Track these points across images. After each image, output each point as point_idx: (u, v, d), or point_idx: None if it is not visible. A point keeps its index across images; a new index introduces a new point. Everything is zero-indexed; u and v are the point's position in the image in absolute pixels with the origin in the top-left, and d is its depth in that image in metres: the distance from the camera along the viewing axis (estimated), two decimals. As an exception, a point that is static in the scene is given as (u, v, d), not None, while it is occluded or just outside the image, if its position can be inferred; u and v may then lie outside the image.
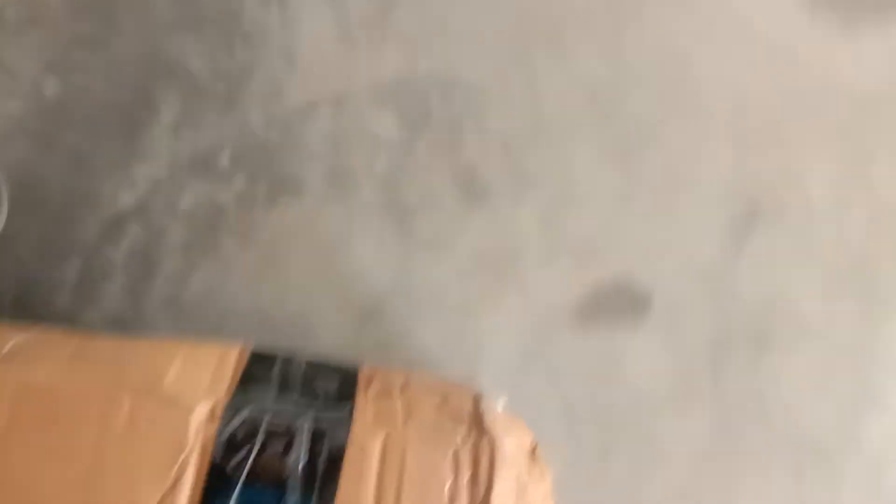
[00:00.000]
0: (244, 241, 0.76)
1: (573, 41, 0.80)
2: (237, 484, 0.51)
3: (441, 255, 0.81)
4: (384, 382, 0.61)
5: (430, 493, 0.55)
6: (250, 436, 0.52)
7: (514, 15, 0.80)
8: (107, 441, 0.49)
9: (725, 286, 0.85)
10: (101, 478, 0.48)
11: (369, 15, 0.77)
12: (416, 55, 0.78)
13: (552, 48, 0.80)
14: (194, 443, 0.51)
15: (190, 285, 0.74)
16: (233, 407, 0.53)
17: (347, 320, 0.78)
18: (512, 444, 0.58)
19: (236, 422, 0.52)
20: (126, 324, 0.72)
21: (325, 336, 0.77)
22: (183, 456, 0.50)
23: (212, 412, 0.52)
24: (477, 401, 0.63)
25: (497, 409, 0.62)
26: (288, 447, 0.53)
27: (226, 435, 0.52)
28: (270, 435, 0.53)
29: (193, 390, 0.53)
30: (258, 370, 0.56)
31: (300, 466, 0.52)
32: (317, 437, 0.54)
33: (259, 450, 0.52)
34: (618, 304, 0.83)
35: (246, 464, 0.51)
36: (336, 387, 0.58)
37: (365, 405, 0.57)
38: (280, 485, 0.52)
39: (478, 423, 0.60)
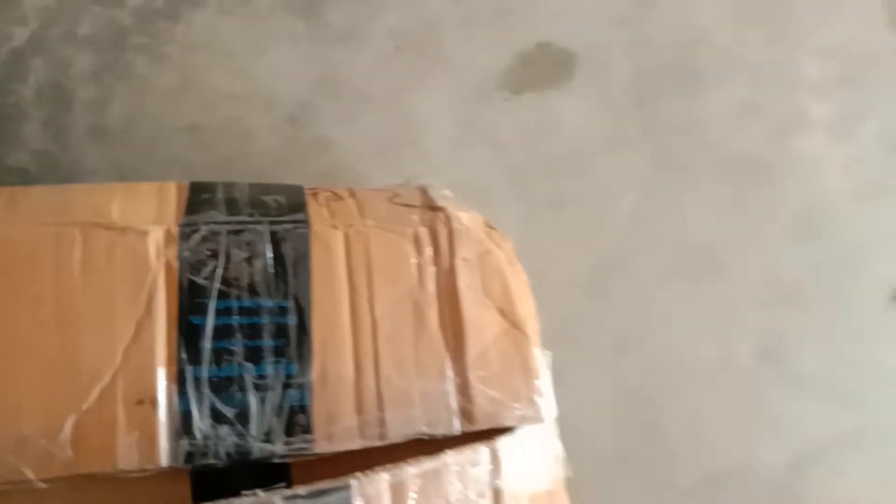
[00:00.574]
0: (156, 59, 0.70)
1: None
2: (212, 298, 0.50)
3: (358, 43, 0.76)
4: (331, 192, 0.59)
5: (400, 276, 0.55)
6: (213, 250, 0.50)
7: None
8: (67, 279, 0.47)
9: (643, 32, 0.83)
10: (71, 317, 0.46)
11: None
12: None
13: None
14: (157, 265, 0.49)
15: (111, 112, 0.68)
16: (187, 227, 0.51)
17: (279, 123, 0.74)
18: (466, 217, 0.58)
19: (195, 239, 0.50)
20: (56, 161, 0.67)
21: (260, 139, 0.73)
22: (149, 280, 0.48)
23: (167, 234, 0.50)
24: (424, 190, 0.62)
25: (444, 194, 0.61)
26: (252, 256, 0.52)
27: (187, 252, 0.50)
28: (232, 245, 0.51)
29: (142, 219, 0.50)
30: (202, 196, 0.53)
31: (270, 272, 0.52)
32: (278, 243, 0.53)
33: (225, 261, 0.51)
34: (543, 65, 0.81)
35: (215, 277, 0.50)
36: (285, 200, 0.55)
37: (318, 210, 0.56)
38: (254, 291, 0.51)
39: (430, 206, 0.59)
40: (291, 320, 0.51)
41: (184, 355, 0.48)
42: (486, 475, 0.53)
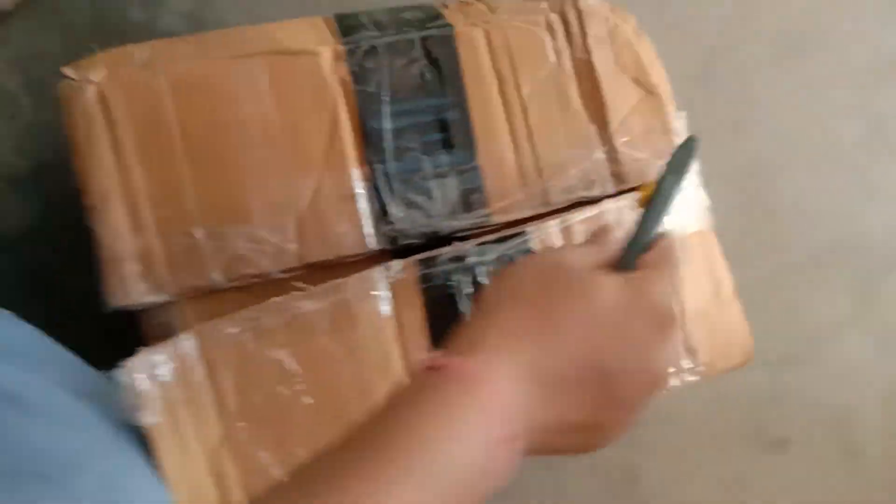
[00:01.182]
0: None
1: None
2: (384, 103, 0.54)
3: None
4: (458, 2, 0.61)
5: (539, 60, 0.58)
6: (376, 61, 0.54)
7: None
8: (264, 101, 0.51)
9: None
10: (274, 133, 0.51)
11: None
12: None
13: None
14: (333, 81, 0.53)
15: (239, -34, 0.72)
16: (350, 44, 0.54)
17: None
18: (590, -2, 0.60)
19: (359, 54, 0.54)
20: (201, 19, 0.71)
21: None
22: (329, 94, 0.53)
23: (335, 53, 0.54)
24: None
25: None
26: (410, 62, 0.55)
27: (356, 67, 0.54)
28: (391, 55, 0.55)
29: (309, 44, 0.54)
30: (350, 22, 0.56)
31: (427, 74, 0.55)
32: (429, 47, 0.56)
33: (388, 70, 0.55)
34: None
35: (383, 83, 0.54)
36: (421, 14, 0.57)
37: (454, 15, 0.58)
38: (418, 90, 0.55)
39: (554, -8, 0.61)
40: (453, 115, 0.56)
41: (371, 156, 0.54)
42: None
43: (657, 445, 0.85)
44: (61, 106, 0.49)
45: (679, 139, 0.60)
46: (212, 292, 0.50)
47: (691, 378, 0.56)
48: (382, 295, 0.52)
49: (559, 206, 0.57)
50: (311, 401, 0.50)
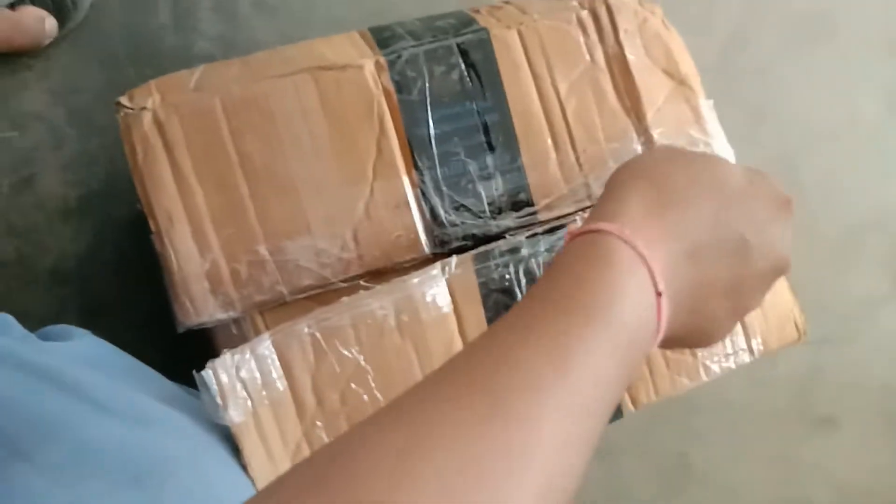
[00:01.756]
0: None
1: None
2: (428, 109, 0.56)
3: None
4: (489, 6, 0.63)
5: (573, 57, 0.59)
6: (416, 69, 0.56)
7: None
8: (313, 117, 0.53)
9: None
10: (325, 147, 0.53)
11: None
12: None
13: None
14: (377, 92, 0.55)
15: (267, -14, 0.74)
16: (390, 54, 0.56)
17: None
18: (618, -8, 0.62)
19: (400, 64, 0.56)
20: (233, 41, 0.73)
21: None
22: (375, 105, 0.55)
23: (377, 65, 0.55)
24: (573, -23, 0.65)
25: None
26: (449, 68, 0.57)
27: (398, 76, 0.56)
28: (430, 63, 0.57)
29: (351, 58, 0.56)
30: (386, 35, 0.58)
31: (466, 79, 0.57)
32: (466, 52, 0.57)
33: (429, 78, 0.57)
34: None
35: (426, 90, 0.56)
36: (454, 21, 0.59)
37: (487, 19, 0.60)
38: (458, 95, 0.57)
39: (582, -10, 0.63)
40: (494, 117, 0.57)
41: (418, 162, 0.55)
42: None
43: (706, 431, 0.86)
44: (121, 135, 0.51)
45: (710, 125, 0.61)
46: (279, 305, 0.52)
47: (748, 359, 0.58)
48: (442, 291, 0.54)
49: (603, 199, 0.59)
50: (382, 398, 0.52)
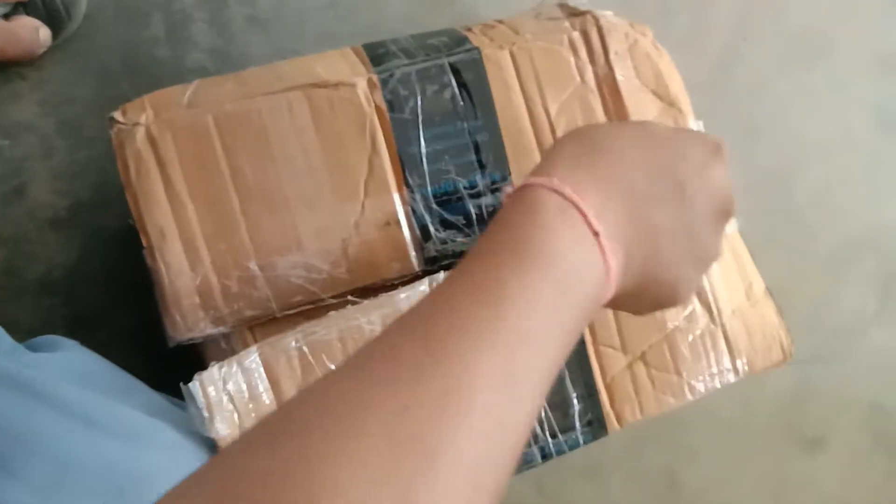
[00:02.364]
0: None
1: None
2: (419, 128, 0.58)
3: None
4: (482, 25, 0.65)
5: (564, 78, 0.61)
6: (409, 88, 0.58)
7: None
8: (306, 135, 0.55)
9: None
10: (317, 164, 0.54)
11: None
12: None
13: None
14: (370, 110, 0.56)
15: (261, 1, 0.74)
16: (383, 73, 0.58)
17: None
18: (610, 14, 0.64)
19: (392, 83, 0.57)
20: (226, 54, 0.74)
21: (391, 2, 0.79)
22: (367, 123, 0.56)
23: (370, 83, 0.57)
24: (563, 2, 0.67)
25: (582, 1, 0.66)
26: (441, 87, 0.59)
27: (390, 95, 0.57)
28: (422, 82, 0.58)
29: (344, 75, 0.57)
30: (379, 52, 0.59)
31: (458, 97, 0.59)
32: (458, 72, 0.59)
33: (421, 96, 0.58)
34: None
35: (418, 109, 0.58)
36: (447, 40, 0.60)
37: (479, 38, 0.61)
38: (450, 114, 0.58)
39: (574, 13, 0.64)
40: (485, 136, 0.59)
41: (409, 180, 0.57)
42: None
43: (695, 450, 0.87)
44: (114, 150, 0.52)
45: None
46: (269, 320, 0.53)
47: (733, 379, 0.59)
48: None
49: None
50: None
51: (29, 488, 0.43)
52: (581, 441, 0.60)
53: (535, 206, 0.32)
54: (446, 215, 0.58)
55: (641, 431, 0.61)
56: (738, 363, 0.60)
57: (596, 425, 0.60)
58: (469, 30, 0.64)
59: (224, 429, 0.49)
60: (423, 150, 0.57)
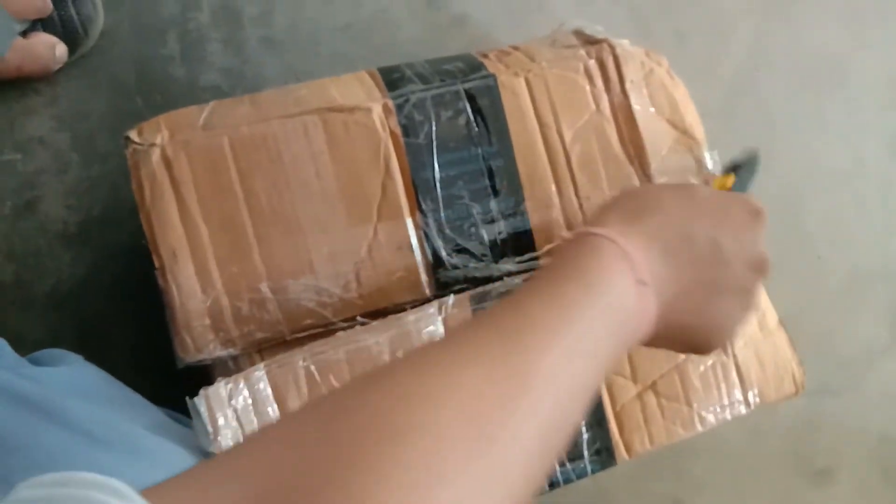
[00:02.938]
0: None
1: None
2: (433, 153, 0.58)
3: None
4: (497, 51, 0.66)
5: (579, 106, 0.61)
6: (424, 113, 0.58)
7: None
8: (320, 158, 0.55)
9: None
10: (332, 188, 0.54)
11: None
12: None
13: None
14: (385, 135, 0.57)
15: (276, 22, 0.74)
16: (398, 98, 0.58)
17: (419, 8, 0.80)
18: (626, 43, 0.64)
19: (407, 108, 0.58)
20: (240, 73, 0.75)
21: (405, 26, 0.80)
22: (382, 147, 0.57)
23: (385, 108, 0.57)
24: (579, 30, 0.68)
25: (598, 29, 0.67)
26: (456, 113, 0.59)
27: (405, 120, 0.58)
28: (437, 107, 0.59)
29: (360, 100, 0.58)
30: (394, 76, 0.60)
31: (473, 123, 0.59)
32: (473, 98, 0.60)
33: (436, 122, 0.59)
34: None
35: (432, 134, 0.58)
36: (462, 65, 0.61)
37: (495, 65, 0.62)
38: (464, 140, 0.59)
39: (590, 41, 0.65)
40: (499, 162, 0.59)
41: (422, 205, 0.57)
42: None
43: (702, 479, 0.87)
44: (129, 170, 0.53)
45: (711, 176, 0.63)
46: (278, 343, 0.54)
47: (744, 410, 0.59)
48: (438, 330, 0.55)
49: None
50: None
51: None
52: (589, 470, 0.60)
53: (597, 250, 0.38)
54: (459, 241, 0.58)
55: (648, 458, 0.60)
56: (750, 395, 0.60)
57: (605, 454, 0.60)
58: (485, 56, 0.64)
59: (229, 445, 0.49)
60: (437, 175, 0.58)
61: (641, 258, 0.38)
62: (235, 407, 0.50)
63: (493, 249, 0.59)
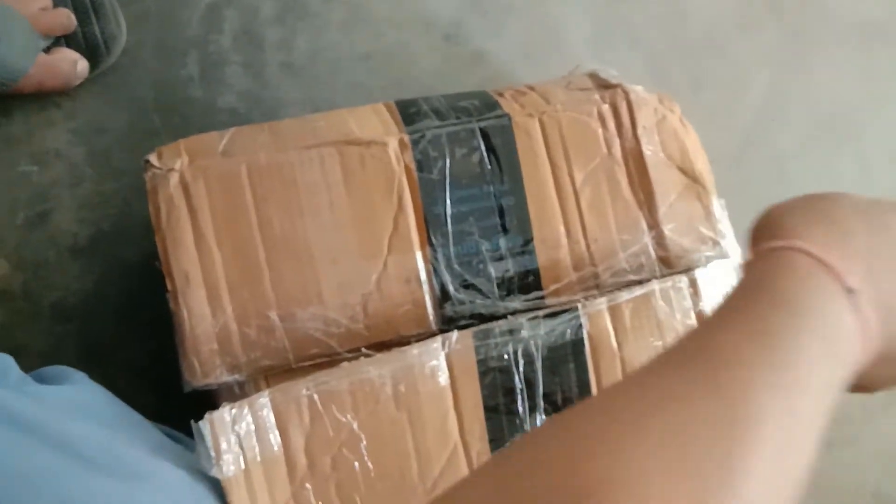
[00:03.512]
0: (328, -1, 0.79)
1: None
2: (446, 189, 0.59)
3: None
4: (513, 90, 0.67)
5: (591, 149, 0.62)
6: (438, 150, 0.59)
7: None
8: (335, 190, 0.56)
9: None
10: (344, 219, 0.55)
11: None
12: None
13: None
14: (399, 169, 0.58)
15: (297, 49, 0.76)
16: (414, 134, 0.59)
17: (438, 42, 0.81)
18: (640, 89, 0.65)
19: (423, 143, 0.59)
20: (258, 97, 0.76)
21: (424, 59, 0.81)
22: (396, 181, 0.58)
23: (401, 142, 0.59)
24: (594, 73, 0.69)
25: (613, 74, 0.68)
26: (470, 150, 0.60)
27: (420, 155, 0.59)
28: (452, 144, 0.60)
29: (377, 134, 0.59)
30: (411, 111, 0.61)
31: (486, 162, 0.60)
32: (488, 136, 0.61)
33: (450, 158, 0.60)
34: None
35: (446, 171, 0.59)
36: (478, 103, 0.62)
37: (510, 104, 0.63)
38: (477, 177, 0.60)
39: (605, 85, 0.66)
40: (510, 201, 0.60)
41: (432, 239, 0.58)
42: (688, 299, 0.62)
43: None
44: (147, 194, 0.54)
45: (720, 224, 0.64)
46: (284, 371, 0.54)
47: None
48: (441, 364, 0.56)
49: (609, 289, 0.61)
50: (372, 466, 0.54)
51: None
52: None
53: (788, 265, 0.34)
54: (467, 276, 0.59)
55: None
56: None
57: None
58: (500, 94, 0.65)
59: (230, 470, 0.50)
60: (449, 210, 0.59)
61: (842, 266, 0.33)
62: (238, 433, 0.51)
63: (499, 286, 0.59)
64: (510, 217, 0.60)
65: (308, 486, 0.53)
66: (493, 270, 0.59)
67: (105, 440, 0.49)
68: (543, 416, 0.59)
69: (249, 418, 0.51)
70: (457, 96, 0.65)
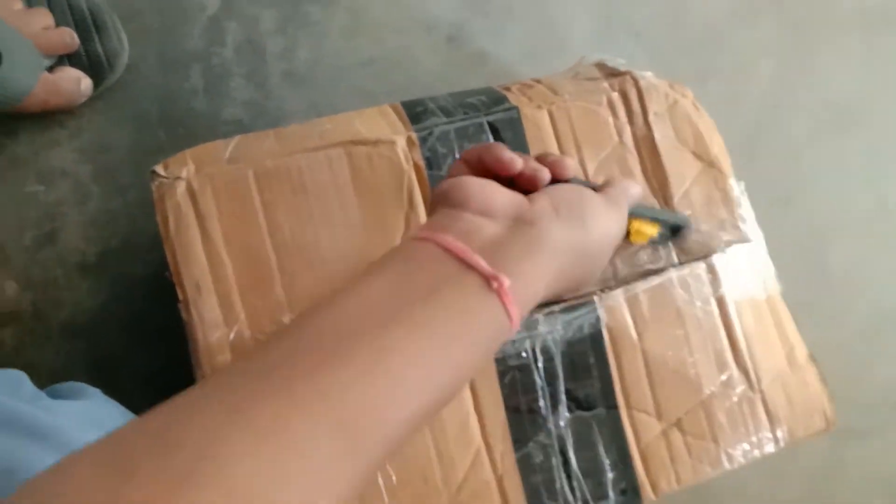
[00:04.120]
0: (327, 5, 0.77)
1: None
2: (457, 185, 0.58)
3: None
4: (520, 84, 0.66)
5: (602, 138, 0.61)
6: (448, 145, 0.59)
7: None
8: (344, 191, 0.55)
9: None
10: (355, 220, 0.54)
11: None
12: None
13: None
14: (408, 168, 0.57)
15: (298, 58, 0.76)
16: (422, 131, 0.59)
17: (439, 45, 0.81)
18: (649, 75, 0.64)
19: (431, 140, 0.58)
20: (262, 108, 0.76)
21: (426, 62, 0.80)
22: (405, 180, 0.57)
23: (409, 141, 0.58)
24: (602, 63, 0.68)
25: (621, 62, 0.67)
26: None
27: (428, 153, 0.58)
28: (462, 139, 0.59)
29: (384, 133, 0.58)
30: (418, 110, 0.60)
31: (496, 154, 0.59)
32: (497, 130, 0.60)
33: (459, 152, 0.58)
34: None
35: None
36: (485, 98, 0.61)
37: (518, 98, 0.62)
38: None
39: (613, 73, 0.65)
40: (522, 194, 0.59)
41: (445, 237, 0.57)
42: (707, 286, 0.60)
43: (724, 520, 0.85)
44: (154, 204, 0.53)
45: (739, 207, 0.63)
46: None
47: (772, 448, 0.58)
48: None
49: (627, 281, 0.60)
50: (394, 474, 0.53)
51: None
52: (615, 510, 0.58)
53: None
54: (482, 274, 0.57)
55: (668, 501, 0.59)
56: (778, 432, 0.59)
57: (630, 494, 0.59)
58: (507, 89, 0.65)
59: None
60: (460, 207, 0.57)
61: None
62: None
63: (515, 282, 0.58)
64: (523, 211, 0.59)
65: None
66: (509, 266, 0.58)
67: None
68: (567, 414, 0.57)
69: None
70: (463, 94, 0.64)
